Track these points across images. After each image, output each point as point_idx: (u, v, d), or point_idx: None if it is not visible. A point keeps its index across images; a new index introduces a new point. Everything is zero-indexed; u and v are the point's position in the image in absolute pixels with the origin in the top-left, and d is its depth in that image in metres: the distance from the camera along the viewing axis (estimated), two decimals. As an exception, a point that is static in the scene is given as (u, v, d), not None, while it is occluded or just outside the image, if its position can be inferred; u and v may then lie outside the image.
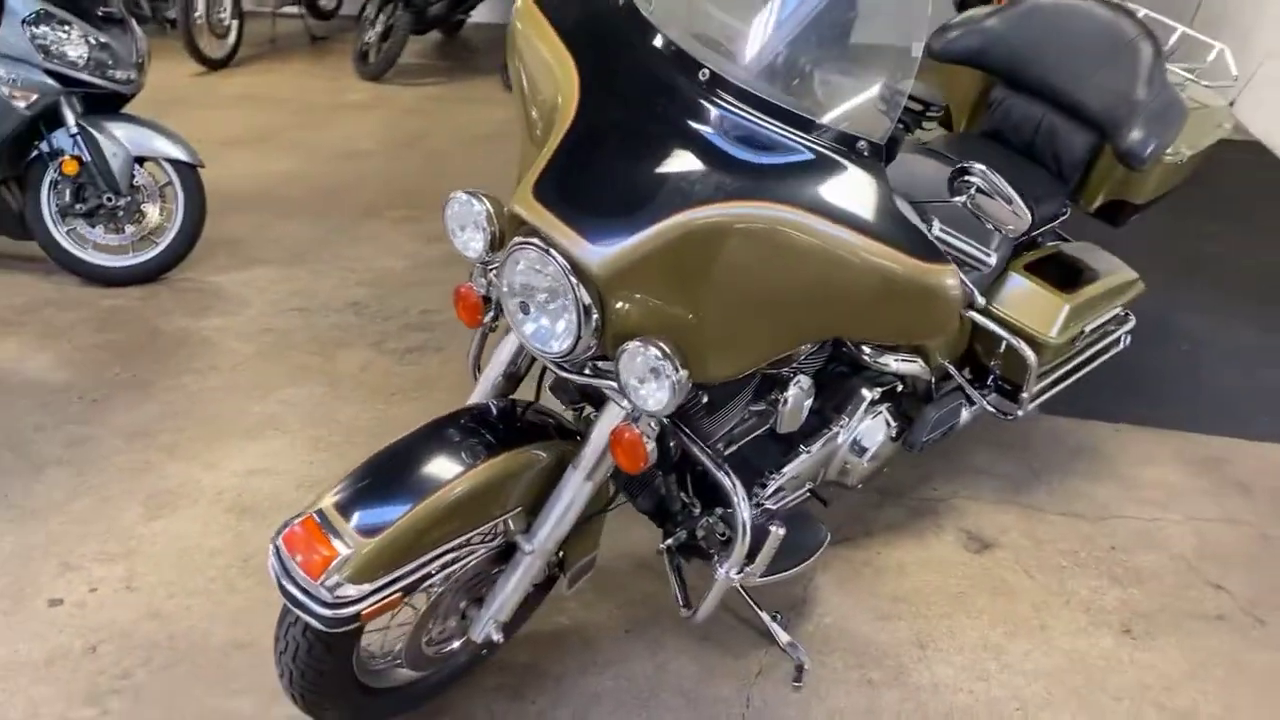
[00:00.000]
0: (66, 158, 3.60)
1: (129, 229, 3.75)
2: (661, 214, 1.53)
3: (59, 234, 3.72)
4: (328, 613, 1.59)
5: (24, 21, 3.44)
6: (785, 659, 2.22)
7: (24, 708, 2.03)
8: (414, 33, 7.06)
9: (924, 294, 1.52)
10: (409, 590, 1.67)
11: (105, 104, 3.75)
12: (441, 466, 1.72)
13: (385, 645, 1.92)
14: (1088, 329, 2.54)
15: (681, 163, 1.57)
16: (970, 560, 2.56)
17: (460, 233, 1.78)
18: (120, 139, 3.65)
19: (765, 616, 2.26)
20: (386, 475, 1.70)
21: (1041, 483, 2.85)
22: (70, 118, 3.59)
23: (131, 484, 2.69)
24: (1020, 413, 2.60)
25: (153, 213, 3.78)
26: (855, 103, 1.58)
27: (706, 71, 1.60)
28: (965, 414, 2.60)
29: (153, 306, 3.63)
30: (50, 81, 3.50)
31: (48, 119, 3.60)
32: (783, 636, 2.23)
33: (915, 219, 1.57)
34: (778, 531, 1.94)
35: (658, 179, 1.56)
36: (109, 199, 3.67)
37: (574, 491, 1.79)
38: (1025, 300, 2.47)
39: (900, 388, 2.44)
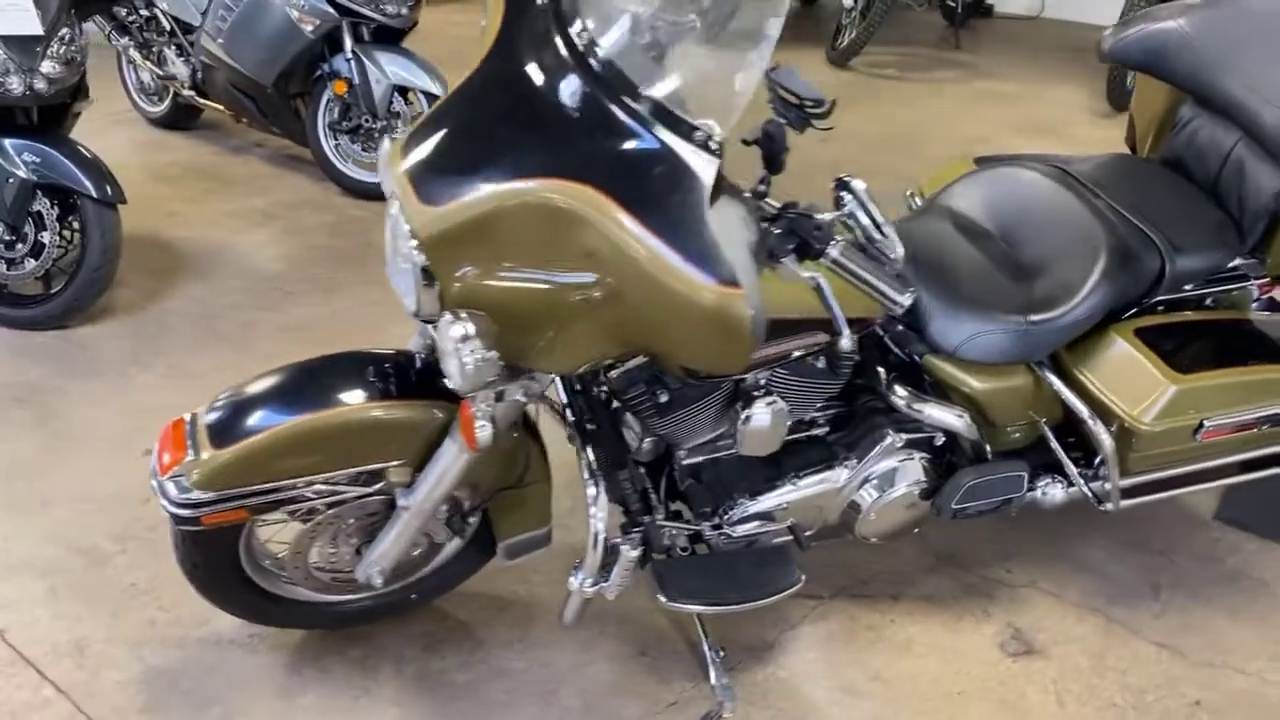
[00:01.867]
0: (339, 80, 4.04)
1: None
2: (490, 181, 1.44)
3: (327, 147, 4.20)
4: (173, 510, 1.70)
5: (314, -44, 3.88)
6: (708, 699, 2.01)
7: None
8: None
9: (686, 313, 1.30)
10: (257, 510, 1.74)
11: (386, 36, 4.14)
12: (324, 397, 1.76)
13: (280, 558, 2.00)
14: (1214, 422, 1.99)
15: (528, 132, 1.47)
16: (999, 662, 2.14)
17: None
18: (385, 68, 4.03)
19: (708, 649, 2.07)
20: (268, 393, 1.77)
21: (1157, 601, 2.31)
22: (348, 44, 4.02)
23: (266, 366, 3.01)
24: (1110, 505, 2.12)
25: (402, 138, 4.13)
26: (702, 88, 1.37)
27: (586, 34, 1.46)
28: (1055, 491, 2.16)
29: (381, 222, 4.00)
30: (331, 10, 3.93)
31: (331, 44, 4.06)
32: (716, 675, 2.03)
33: (726, 232, 1.33)
34: (628, 552, 1.77)
35: (499, 146, 1.47)
36: (367, 120, 4.08)
37: (449, 459, 1.75)
38: (1118, 369, 1.99)
39: (940, 440, 2.09)
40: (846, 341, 1.56)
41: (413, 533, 1.86)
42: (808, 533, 2.11)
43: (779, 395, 1.90)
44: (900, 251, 1.49)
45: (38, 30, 2.98)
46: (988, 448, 2.11)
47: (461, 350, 1.44)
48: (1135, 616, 2.26)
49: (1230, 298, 2.23)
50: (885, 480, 2.06)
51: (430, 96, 4.05)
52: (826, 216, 1.49)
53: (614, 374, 1.86)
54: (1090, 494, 2.14)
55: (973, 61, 6.45)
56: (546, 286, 1.45)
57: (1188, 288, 2.13)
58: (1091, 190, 2.09)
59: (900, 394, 2.02)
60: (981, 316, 1.94)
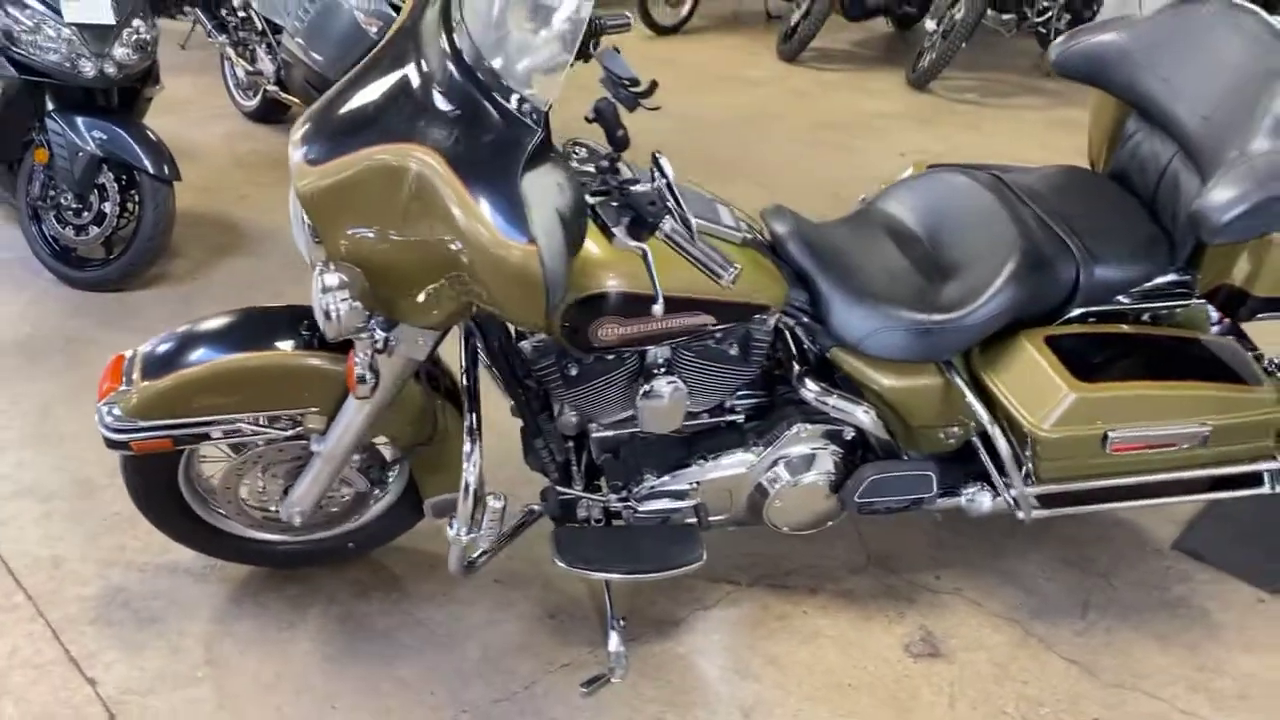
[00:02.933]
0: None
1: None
2: (357, 147, 1.58)
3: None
4: (106, 434, 1.90)
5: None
6: (602, 664, 2.10)
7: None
8: (850, 19, 7.05)
9: (496, 268, 1.41)
10: (180, 441, 1.93)
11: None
12: (253, 342, 1.93)
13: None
14: (1121, 434, 1.97)
15: (393, 103, 1.60)
16: (900, 661, 2.16)
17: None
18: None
19: (610, 617, 2.16)
20: (204, 334, 1.96)
21: (1082, 619, 2.27)
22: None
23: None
24: (1022, 515, 2.12)
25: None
26: (526, 59, 1.49)
27: (459, 15, 1.60)
28: (982, 499, 2.17)
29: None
30: (391, 11, 4.19)
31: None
32: (614, 642, 2.11)
33: (538, 195, 1.44)
34: (494, 504, 1.87)
35: (370, 116, 1.61)
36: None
37: (352, 409, 1.90)
38: (1023, 375, 1.99)
39: (850, 434, 2.13)
40: (659, 308, 1.63)
41: (327, 478, 2.01)
42: (719, 517, 2.19)
43: (685, 376, 1.99)
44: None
45: (110, 20, 3.30)
46: (900, 446, 2.13)
47: (327, 299, 1.58)
48: (1055, 632, 2.23)
49: (1181, 316, 2.19)
50: (791, 468, 2.11)
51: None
52: (643, 187, 1.58)
53: (525, 344, 1.99)
54: (1010, 501, 2.13)
55: (1060, 90, 6.30)
56: (402, 243, 1.59)
57: (1124, 301, 2.11)
58: (1020, 198, 2.10)
59: (809, 386, 2.07)
60: (884, 313, 1.97)
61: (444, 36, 1.61)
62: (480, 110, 1.50)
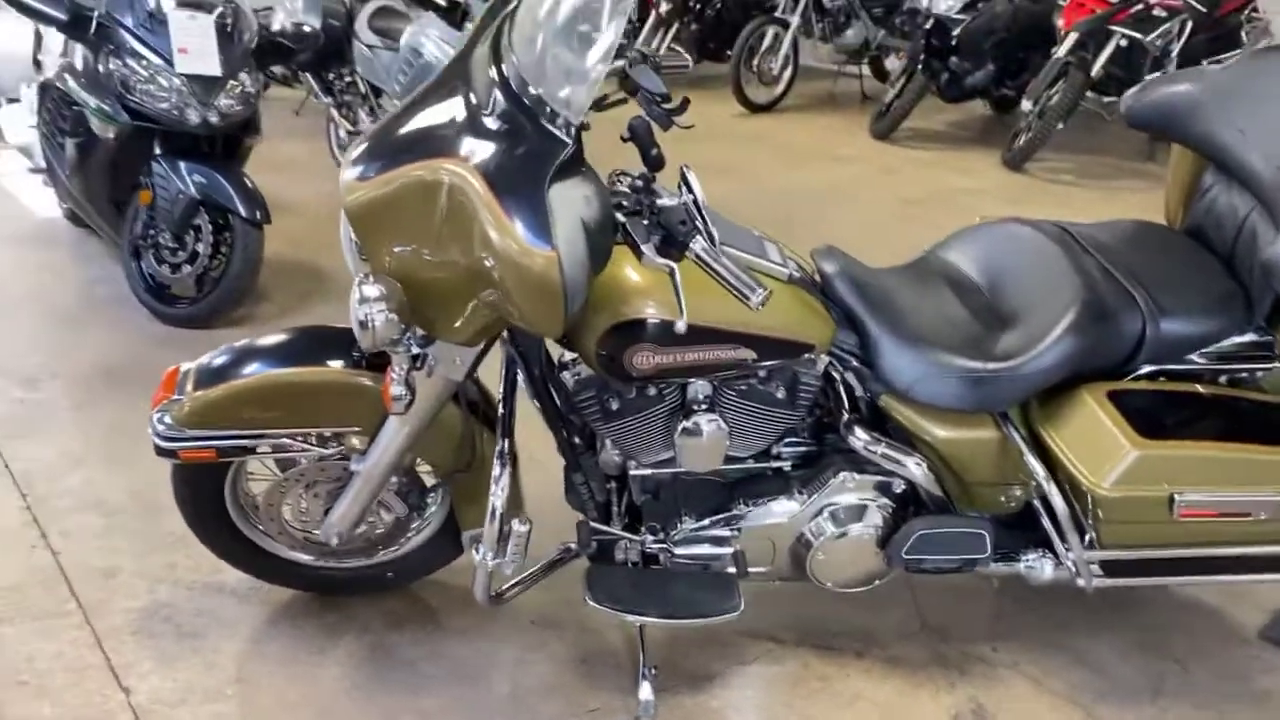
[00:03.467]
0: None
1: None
2: (397, 163, 1.62)
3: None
4: (155, 441, 1.96)
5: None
6: (631, 712, 2.03)
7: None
8: (948, 100, 7.03)
9: (517, 273, 1.41)
10: (224, 453, 1.96)
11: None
12: (303, 359, 1.97)
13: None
14: (1189, 498, 1.84)
15: (442, 124, 1.64)
16: (945, 733, 2.03)
17: None
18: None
19: (643, 665, 2.09)
20: (257, 349, 2.00)
21: (1154, 706, 2.10)
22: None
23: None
24: (1082, 581, 1.99)
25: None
26: (563, 79, 1.50)
27: (508, 42, 1.63)
28: (1044, 566, 2.06)
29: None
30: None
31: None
32: (644, 691, 2.04)
33: (565, 205, 1.44)
34: (519, 528, 1.84)
35: (418, 134, 1.65)
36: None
37: (392, 429, 1.92)
38: (1083, 431, 1.89)
39: (900, 488, 2.05)
40: (682, 325, 1.60)
41: (365, 498, 2.02)
42: (761, 569, 2.12)
43: (729, 417, 1.95)
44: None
45: (217, 72, 3.50)
46: (954, 504, 2.04)
47: (364, 309, 1.60)
48: (1120, 717, 2.07)
49: (1264, 380, 2.06)
50: (836, 519, 2.04)
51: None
52: (670, 201, 1.57)
53: (566, 375, 1.98)
54: (1071, 567, 2.01)
55: (1161, 174, 6.12)
56: (438, 257, 1.60)
57: (1198, 361, 2.00)
58: (1084, 249, 2.02)
59: (857, 434, 2.00)
60: (935, 358, 1.91)
61: (493, 66, 1.64)
62: (516, 126, 1.52)
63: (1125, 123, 2.17)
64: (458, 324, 1.67)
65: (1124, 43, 5.97)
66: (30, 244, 4.42)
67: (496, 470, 1.85)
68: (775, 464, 2.09)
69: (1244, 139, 1.92)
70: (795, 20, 7.31)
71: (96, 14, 3.44)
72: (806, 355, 1.91)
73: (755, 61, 7.32)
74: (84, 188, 3.81)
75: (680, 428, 1.93)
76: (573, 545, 2.13)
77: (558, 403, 1.98)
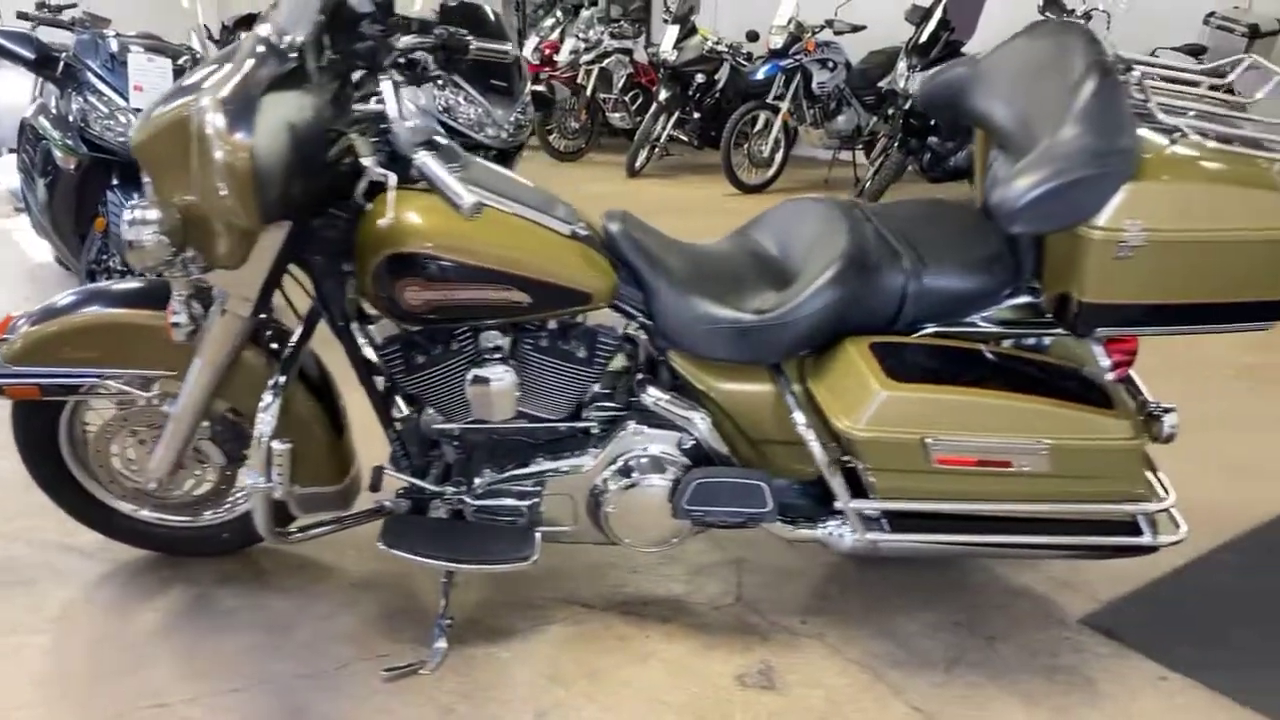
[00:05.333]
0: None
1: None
2: (170, 100, 1.79)
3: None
4: (-11, 376, 2.10)
5: (436, 85, 4.60)
6: (416, 653, 2.07)
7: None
8: (931, 180, 7.18)
9: (216, 162, 1.54)
10: (47, 390, 2.10)
11: (498, 157, 4.73)
12: (134, 302, 2.11)
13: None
14: (942, 443, 1.87)
15: (212, 70, 1.80)
16: (726, 688, 2.03)
17: None
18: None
19: (440, 614, 2.14)
20: (92, 295, 2.14)
21: (946, 674, 2.08)
22: None
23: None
24: (854, 537, 2.01)
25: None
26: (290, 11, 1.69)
27: None
28: (845, 533, 2.08)
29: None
30: (440, 128, 4.58)
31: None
32: (436, 639, 2.09)
33: (275, 108, 1.59)
34: (277, 446, 1.92)
35: (194, 83, 1.81)
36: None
37: (195, 370, 2.04)
38: (841, 379, 1.94)
39: (689, 443, 2.11)
40: (384, 222, 1.72)
41: (179, 442, 2.13)
42: (565, 527, 2.17)
43: (529, 373, 2.04)
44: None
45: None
46: (740, 459, 2.09)
47: (133, 231, 1.75)
48: (909, 681, 2.05)
49: (1053, 348, 2.08)
50: (624, 472, 2.09)
51: None
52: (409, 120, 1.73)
53: (374, 328, 2.10)
54: (846, 518, 2.03)
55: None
56: (190, 181, 1.73)
57: (981, 325, 2.04)
58: (867, 217, 2.11)
59: (648, 390, 2.08)
60: (706, 310, 1.98)
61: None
62: (258, 55, 1.67)
63: (920, 108, 2.27)
64: (217, 243, 1.80)
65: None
66: (19, 285, 4.72)
67: (267, 399, 1.95)
68: (584, 425, 2.16)
69: (1002, 104, 2.01)
70: (785, 105, 7.57)
71: (64, 55, 3.77)
72: (585, 306, 1.99)
73: (747, 145, 7.57)
74: (52, 221, 4.10)
75: (471, 376, 2.02)
76: (387, 502, 2.21)
77: (365, 358, 2.09)
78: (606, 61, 8.80)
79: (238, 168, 1.55)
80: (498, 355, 2.04)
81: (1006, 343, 2.07)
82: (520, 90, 4.77)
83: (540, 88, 4.65)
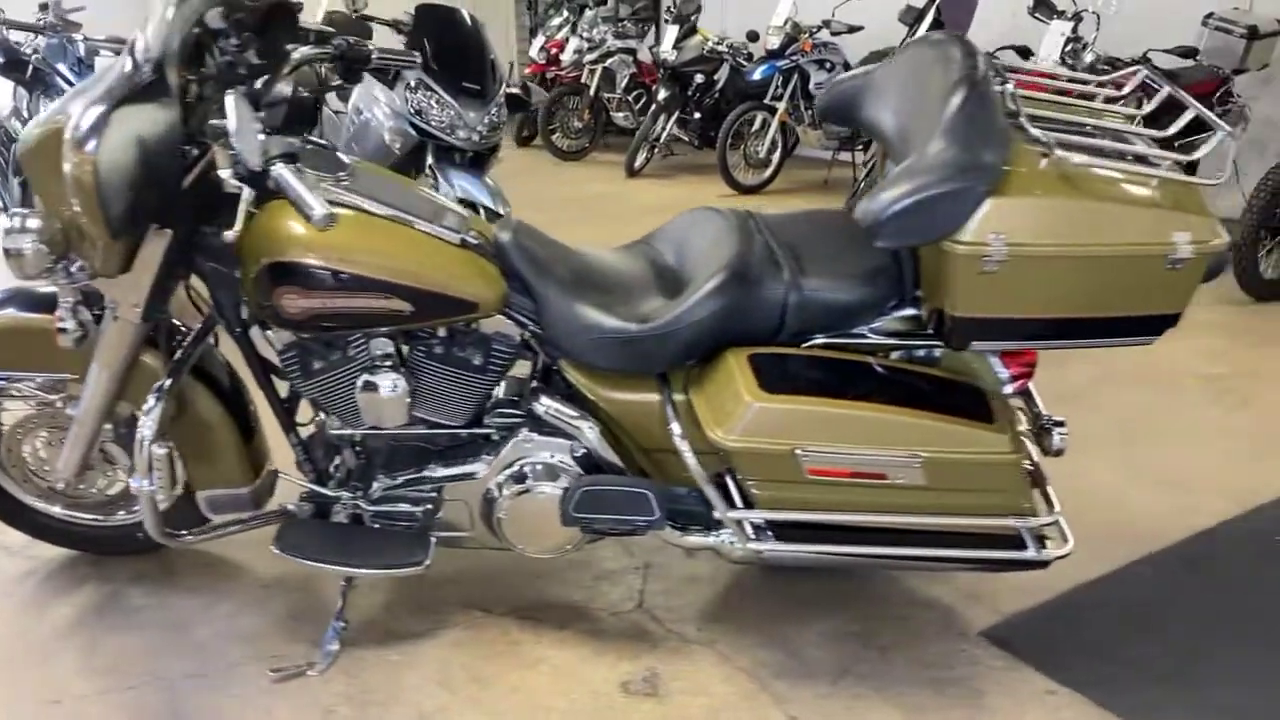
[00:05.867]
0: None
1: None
2: (53, 114, 1.83)
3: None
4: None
5: (407, 87, 4.63)
6: (309, 654, 2.11)
7: None
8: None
9: (66, 175, 1.58)
10: (-40, 392, 2.16)
11: (471, 159, 4.77)
12: (36, 306, 2.16)
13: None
14: (814, 454, 1.87)
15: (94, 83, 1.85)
16: (609, 694, 2.04)
17: None
18: (454, 184, 4.64)
19: (335, 618, 2.17)
20: (12, 297, 2.19)
21: (832, 685, 2.08)
22: (428, 161, 4.66)
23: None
24: (733, 543, 2.03)
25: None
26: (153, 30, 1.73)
27: None
28: (736, 540, 2.08)
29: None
30: (413, 133, 4.63)
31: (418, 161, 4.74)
32: (329, 641, 2.13)
33: (124, 121, 1.64)
34: (156, 450, 1.96)
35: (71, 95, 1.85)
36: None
37: (94, 374, 2.08)
38: (718, 388, 1.95)
39: (580, 451, 2.12)
40: (230, 235, 1.75)
41: (83, 444, 2.17)
42: (462, 533, 2.20)
43: (424, 379, 2.07)
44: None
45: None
46: (630, 468, 2.10)
47: (10, 240, 1.79)
48: (794, 692, 2.06)
49: (944, 359, 2.07)
50: (517, 479, 2.11)
51: (491, 213, 4.57)
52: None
53: (273, 334, 2.13)
54: (728, 527, 2.04)
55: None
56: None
57: (871, 337, 2.04)
58: (760, 229, 2.11)
59: (540, 399, 2.10)
60: (591, 320, 2.00)
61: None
62: (122, 73, 1.71)
63: (819, 119, 2.27)
64: (93, 252, 1.84)
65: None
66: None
67: (150, 402, 1.99)
68: (484, 431, 2.18)
69: (888, 115, 2.00)
70: (782, 105, 7.54)
71: (33, 59, 3.86)
72: (471, 315, 2.01)
73: (744, 146, 7.55)
74: (27, 220, 4.20)
75: (360, 382, 2.05)
76: (290, 505, 2.25)
77: (264, 365, 2.13)
78: (610, 61, 8.82)
79: (83, 180, 1.59)
80: (388, 363, 2.07)
81: (896, 355, 2.06)
82: (494, 93, 4.80)
83: (515, 90, 4.71)
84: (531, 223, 2.14)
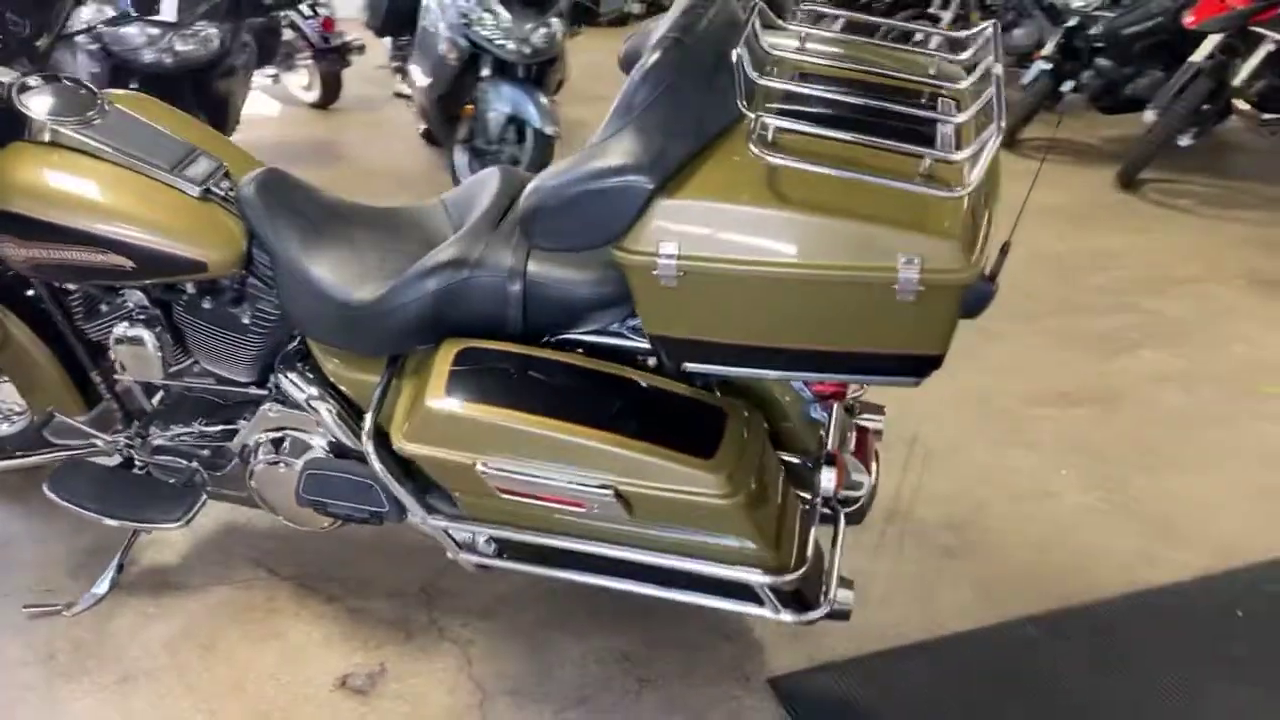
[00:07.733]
0: (469, 104, 4.57)
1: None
2: None
3: (458, 159, 4.70)
4: None
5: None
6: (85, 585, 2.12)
7: None
8: (1104, 111, 6.18)
9: None
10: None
11: (528, 73, 4.56)
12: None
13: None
14: (493, 470, 1.62)
15: None
16: (317, 685, 1.94)
17: None
18: (504, 96, 4.46)
19: (116, 561, 2.16)
20: None
21: (556, 713, 1.88)
22: (483, 73, 4.50)
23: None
24: (451, 555, 1.84)
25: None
26: None
27: None
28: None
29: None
30: (467, 44, 4.46)
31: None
32: (99, 583, 2.12)
33: None
34: None
35: None
36: (480, 141, 4.53)
37: None
38: (419, 382, 1.70)
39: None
40: None
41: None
42: (234, 491, 2.12)
43: (191, 335, 2.00)
44: None
45: (172, 18, 3.92)
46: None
47: None
48: (510, 714, 1.87)
49: (759, 391, 1.73)
50: (263, 448, 2.01)
51: (539, 134, 4.36)
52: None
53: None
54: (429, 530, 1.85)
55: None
56: None
57: (632, 338, 1.73)
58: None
59: (284, 373, 1.96)
60: (321, 292, 1.81)
61: None
62: None
63: (621, 67, 1.91)
64: None
65: (1275, 48, 4.99)
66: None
67: None
68: (260, 394, 2.07)
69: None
70: (948, 16, 6.75)
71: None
72: (198, 275, 1.88)
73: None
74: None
75: (114, 335, 2.00)
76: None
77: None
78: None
79: None
80: (142, 316, 1.99)
81: (653, 360, 1.75)
82: (554, 2, 4.54)
83: (584, -1, 4.43)
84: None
